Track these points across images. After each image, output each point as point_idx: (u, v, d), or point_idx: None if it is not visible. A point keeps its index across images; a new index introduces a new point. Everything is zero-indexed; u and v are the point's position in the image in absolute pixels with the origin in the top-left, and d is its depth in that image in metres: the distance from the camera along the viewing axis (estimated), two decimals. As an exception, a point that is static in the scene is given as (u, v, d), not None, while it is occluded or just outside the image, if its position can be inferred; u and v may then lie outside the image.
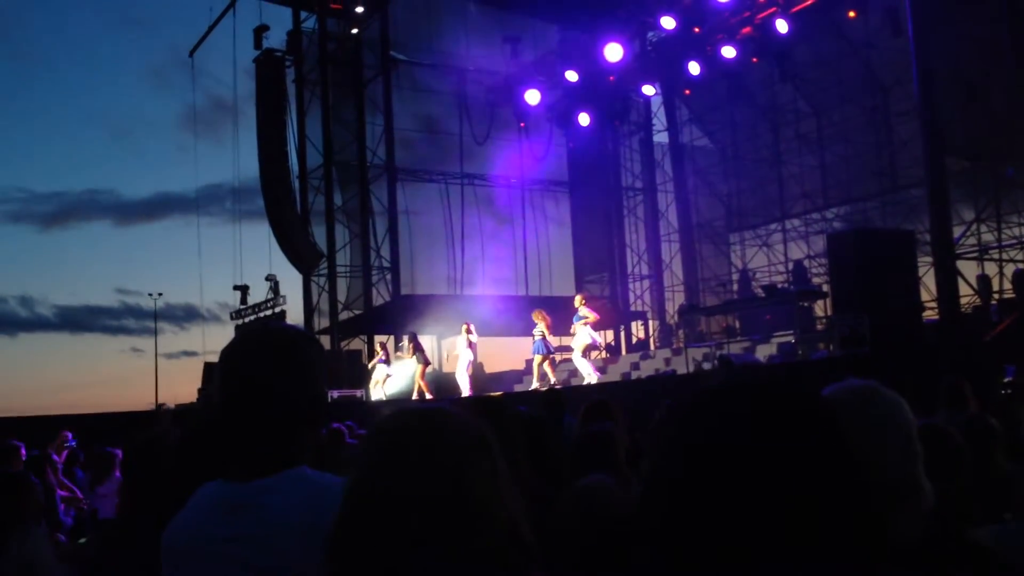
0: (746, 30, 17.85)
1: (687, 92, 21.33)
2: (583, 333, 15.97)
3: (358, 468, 1.40)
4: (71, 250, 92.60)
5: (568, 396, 7.77)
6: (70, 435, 10.28)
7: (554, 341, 17.31)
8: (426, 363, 17.68)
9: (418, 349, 17.78)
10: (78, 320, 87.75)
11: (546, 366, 16.56)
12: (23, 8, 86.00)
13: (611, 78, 21.17)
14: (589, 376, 15.81)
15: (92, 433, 11.13)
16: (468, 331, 17.25)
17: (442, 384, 18.12)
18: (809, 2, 17.00)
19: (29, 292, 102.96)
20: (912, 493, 1.78)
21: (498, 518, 1.35)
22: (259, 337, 1.87)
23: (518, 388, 18.51)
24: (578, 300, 16.43)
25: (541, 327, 16.38)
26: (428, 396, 17.22)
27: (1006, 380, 6.34)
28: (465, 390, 17.02)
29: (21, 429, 11.36)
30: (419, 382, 17.48)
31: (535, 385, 16.51)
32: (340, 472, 1.86)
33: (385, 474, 1.36)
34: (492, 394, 16.13)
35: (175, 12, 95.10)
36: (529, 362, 19.12)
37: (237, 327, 25.27)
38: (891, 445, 1.79)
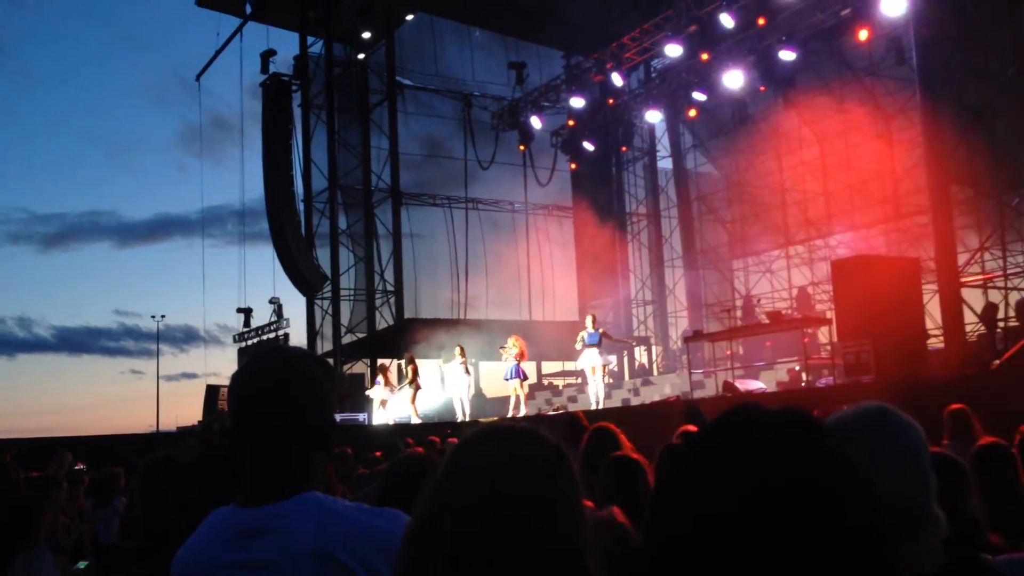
0: (750, 58, 17.94)
1: (692, 115, 21.35)
2: (593, 354, 15.93)
3: (432, 486, 1.36)
4: (71, 271, 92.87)
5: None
6: (69, 457, 10.25)
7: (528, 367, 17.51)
8: (417, 387, 17.67)
9: (415, 372, 17.80)
10: (77, 341, 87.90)
11: (521, 391, 16.61)
12: (24, 26, 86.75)
13: (615, 104, 21.27)
14: (599, 400, 15.80)
15: (92, 455, 11.11)
16: (462, 355, 17.28)
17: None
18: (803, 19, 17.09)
19: (28, 313, 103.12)
20: (928, 521, 1.76)
21: (563, 545, 1.30)
22: (271, 361, 1.86)
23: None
24: (590, 320, 16.39)
25: (517, 351, 16.41)
26: (416, 420, 17.23)
27: None
28: (460, 415, 17.00)
29: (19, 450, 11.35)
30: (412, 406, 17.47)
31: (524, 411, 16.50)
32: (349, 497, 1.86)
33: (454, 493, 1.31)
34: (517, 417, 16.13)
35: (175, 32, 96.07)
36: (532, 386, 19.14)
37: (240, 350, 25.27)
38: (908, 472, 1.77)
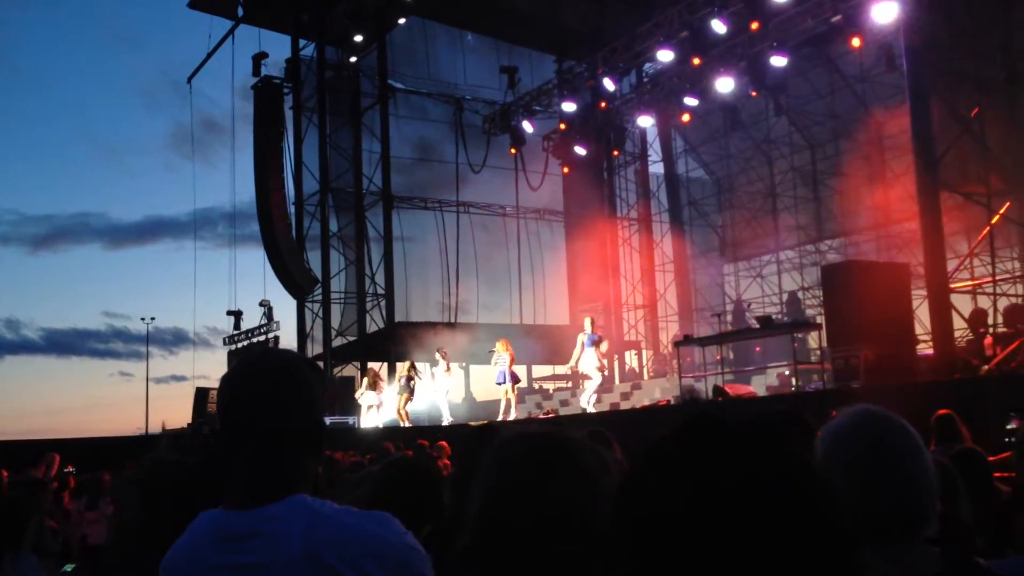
0: (742, 64, 17.99)
1: (685, 120, 21.39)
2: (593, 357, 15.93)
3: (484, 494, 1.43)
4: (60, 273, 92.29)
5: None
6: (57, 458, 10.21)
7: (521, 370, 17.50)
8: (410, 396, 17.56)
9: (410, 378, 17.72)
10: (65, 343, 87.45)
11: (513, 395, 16.57)
12: (14, 26, 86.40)
13: (607, 109, 21.29)
14: (589, 404, 15.81)
15: (80, 458, 11.07)
16: (443, 357, 17.24)
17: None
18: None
19: (16, 315, 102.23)
20: (931, 522, 1.77)
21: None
22: (261, 362, 1.86)
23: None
24: (589, 322, 16.38)
25: (507, 357, 16.39)
26: (406, 424, 17.14)
27: (1009, 427, 6.17)
28: (446, 418, 16.96)
29: (6, 452, 11.29)
30: (401, 411, 17.37)
31: (515, 415, 16.47)
32: (338, 500, 1.85)
33: (516, 500, 1.39)
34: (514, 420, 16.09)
35: (167, 33, 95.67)
36: (522, 390, 19.09)
37: (230, 352, 25.20)
38: (930, 473, 1.79)
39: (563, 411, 18.28)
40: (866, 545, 1.69)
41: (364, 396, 18.24)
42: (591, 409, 15.67)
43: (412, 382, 17.59)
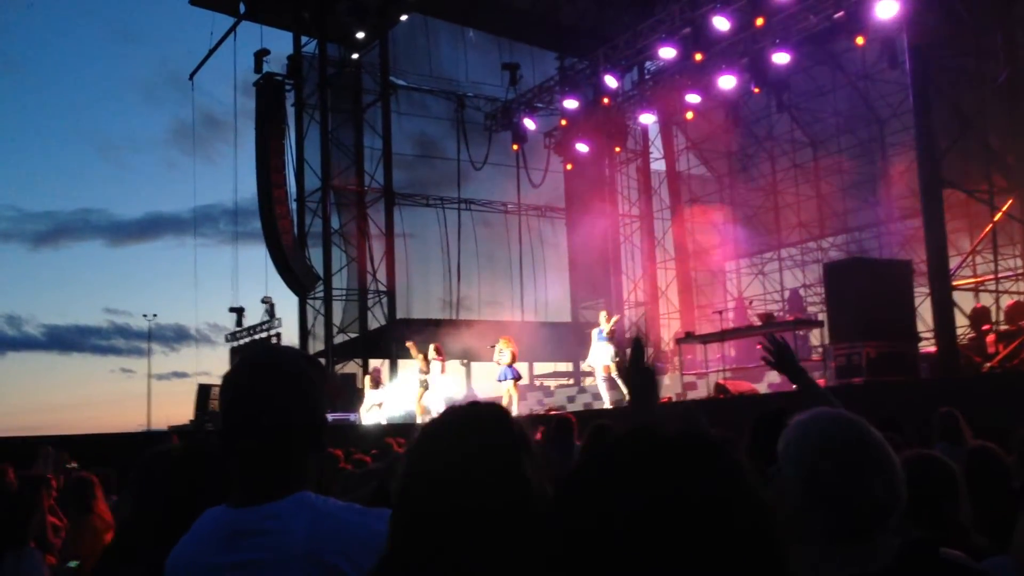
0: (744, 60, 17.96)
1: (688, 117, 21.36)
2: (604, 352, 15.88)
3: (407, 462, 1.49)
4: (61, 270, 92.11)
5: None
6: (53, 451, 10.18)
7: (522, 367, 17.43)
8: (426, 387, 17.46)
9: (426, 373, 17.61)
10: (67, 340, 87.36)
11: (515, 392, 16.49)
12: (14, 21, 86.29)
13: (609, 106, 21.26)
14: (607, 401, 15.79)
15: (82, 455, 11.06)
16: (438, 354, 17.08)
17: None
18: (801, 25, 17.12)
19: (17, 311, 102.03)
20: (891, 518, 1.78)
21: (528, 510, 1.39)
22: (262, 360, 1.86)
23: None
24: (603, 317, 16.33)
25: (509, 354, 16.29)
26: (421, 419, 17.05)
27: None
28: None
29: (7, 449, 11.29)
30: (419, 404, 17.25)
31: (516, 412, 16.38)
32: (341, 497, 1.85)
33: (426, 466, 1.45)
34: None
35: (169, 30, 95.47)
36: (524, 387, 19.06)
37: (232, 349, 25.22)
38: (869, 467, 1.79)
39: (570, 408, 18.27)
40: (827, 541, 1.72)
41: (367, 394, 18.22)
42: (608, 403, 15.64)
43: (424, 376, 17.51)
